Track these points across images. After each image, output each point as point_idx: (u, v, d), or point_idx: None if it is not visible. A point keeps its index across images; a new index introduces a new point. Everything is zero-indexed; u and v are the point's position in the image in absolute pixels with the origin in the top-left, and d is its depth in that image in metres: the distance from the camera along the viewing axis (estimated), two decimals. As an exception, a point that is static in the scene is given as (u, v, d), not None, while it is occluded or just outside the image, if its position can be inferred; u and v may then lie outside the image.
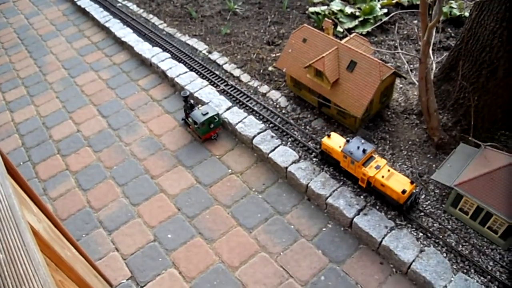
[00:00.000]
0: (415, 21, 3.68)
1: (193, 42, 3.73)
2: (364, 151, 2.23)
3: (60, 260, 1.47)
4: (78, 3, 4.93)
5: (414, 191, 2.19)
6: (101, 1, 4.82)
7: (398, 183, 2.14)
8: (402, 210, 2.21)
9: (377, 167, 2.23)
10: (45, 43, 4.47)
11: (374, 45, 3.40)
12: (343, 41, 2.67)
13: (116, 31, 4.13)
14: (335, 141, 2.33)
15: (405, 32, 3.52)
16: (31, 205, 1.55)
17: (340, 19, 3.55)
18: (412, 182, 2.15)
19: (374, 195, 2.34)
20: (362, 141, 2.28)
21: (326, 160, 2.48)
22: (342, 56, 2.54)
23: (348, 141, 2.33)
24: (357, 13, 3.56)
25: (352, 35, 2.69)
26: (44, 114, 3.49)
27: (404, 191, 2.10)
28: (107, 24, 4.30)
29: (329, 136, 2.41)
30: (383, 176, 2.17)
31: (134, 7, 4.57)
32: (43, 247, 1.38)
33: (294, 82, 2.85)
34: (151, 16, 4.29)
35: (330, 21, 2.65)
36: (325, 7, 3.72)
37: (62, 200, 2.78)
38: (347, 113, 2.56)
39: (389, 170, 2.19)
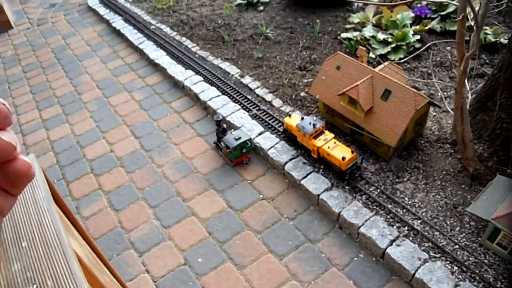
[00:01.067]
0: (448, 47, 3.65)
1: (225, 65, 3.77)
2: (314, 126, 2.54)
3: (101, 287, 1.48)
4: (113, 24, 5.06)
5: (356, 160, 2.47)
6: (136, 24, 4.94)
7: (340, 152, 2.42)
8: (344, 176, 2.49)
9: (325, 140, 2.53)
10: (80, 63, 4.60)
11: (406, 71, 3.38)
12: (377, 69, 2.67)
13: (150, 53, 4.22)
14: (294, 120, 2.64)
15: (438, 59, 3.50)
16: (72, 229, 1.58)
17: (373, 45, 3.55)
18: (353, 152, 2.44)
19: (323, 164, 2.64)
20: (314, 118, 2.62)
21: (288, 137, 2.81)
22: (377, 85, 2.53)
23: (302, 118, 2.63)
24: (390, 39, 3.56)
25: (386, 63, 2.69)
26: (78, 133, 3.57)
27: (344, 158, 2.37)
28: (140, 46, 4.40)
29: (290, 116, 2.73)
30: (329, 147, 2.46)
31: (167, 29, 4.67)
32: (85, 273, 1.40)
33: (327, 109, 2.85)
34: (184, 39, 4.37)
35: (364, 48, 2.66)
36: (357, 33, 3.73)
37: (94, 219, 2.82)
38: (381, 141, 2.54)
39: (335, 143, 2.50)
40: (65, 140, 3.52)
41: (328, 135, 2.60)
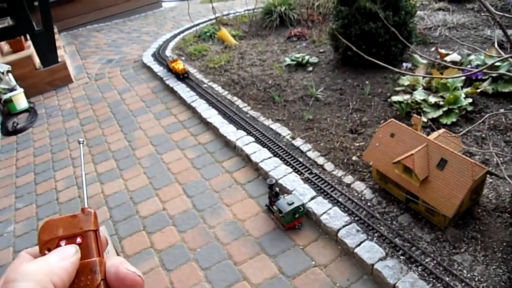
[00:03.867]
0: (501, 110, 3.60)
1: (276, 126, 3.85)
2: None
3: None
4: (167, 82, 5.29)
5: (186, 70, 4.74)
6: (188, 82, 5.14)
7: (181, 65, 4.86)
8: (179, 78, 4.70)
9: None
10: (135, 118, 4.79)
11: (459, 136, 3.34)
12: (431, 138, 2.66)
13: (202, 112, 4.37)
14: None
15: (492, 122, 3.45)
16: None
17: (424, 109, 3.55)
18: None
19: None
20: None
21: (171, 71, 4.91)
22: (432, 154, 2.52)
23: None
24: (441, 103, 3.55)
25: (440, 131, 2.68)
26: (132, 188, 3.67)
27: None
28: (193, 104, 4.56)
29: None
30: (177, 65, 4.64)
31: (219, 88, 4.84)
32: None
33: (380, 175, 2.84)
34: (235, 98, 4.51)
35: (419, 117, 2.67)
36: (408, 96, 3.74)
37: (146, 279, 2.83)
38: (437, 211, 2.49)
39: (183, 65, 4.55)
40: (119, 195, 3.62)
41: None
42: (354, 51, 4.53)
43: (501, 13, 2.20)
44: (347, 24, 4.44)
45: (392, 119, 2.76)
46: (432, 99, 3.61)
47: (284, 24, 6.53)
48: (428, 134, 3.33)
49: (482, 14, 6.11)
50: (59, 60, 6.22)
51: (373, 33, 4.31)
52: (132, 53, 7.01)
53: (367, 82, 4.33)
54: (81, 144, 0.70)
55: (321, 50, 5.33)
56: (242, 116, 4.08)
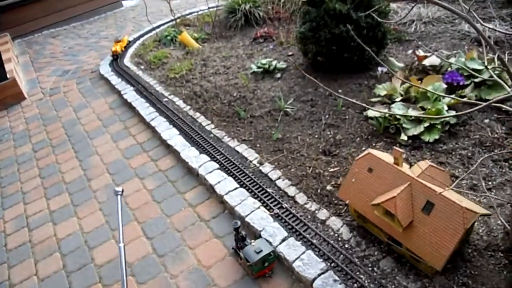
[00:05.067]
0: (486, 120, 3.32)
1: (243, 148, 3.50)
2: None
3: None
4: (125, 96, 4.88)
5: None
6: (147, 95, 4.74)
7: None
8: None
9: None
10: (91, 141, 4.39)
11: (443, 154, 3.05)
12: (414, 172, 2.35)
13: (162, 132, 3.99)
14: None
15: (477, 137, 3.16)
16: None
17: (404, 125, 3.24)
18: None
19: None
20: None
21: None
22: (416, 194, 2.21)
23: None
24: (422, 117, 3.25)
25: (424, 166, 2.36)
26: (87, 229, 3.30)
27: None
28: (153, 123, 4.18)
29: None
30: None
31: (180, 102, 4.46)
32: None
33: (358, 213, 2.52)
34: (198, 114, 4.14)
35: (400, 150, 2.34)
36: (385, 109, 3.43)
37: None
38: (423, 261, 2.19)
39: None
40: (73, 238, 3.25)
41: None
42: (325, 56, 4.22)
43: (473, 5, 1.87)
44: (315, 27, 4.09)
45: (370, 151, 2.43)
46: (412, 112, 3.30)
47: (249, 23, 6.14)
48: (409, 160, 3.03)
49: (456, 5, 5.83)
50: (8, 76, 5.73)
51: (344, 37, 3.97)
52: (89, 62, 6.54)
53: (340, 90, 4.01)
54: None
55: (290, 53, 4.98)
56: (205, 136, 3.72)
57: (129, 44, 6.55)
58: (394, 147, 2.39)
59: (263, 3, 6.19)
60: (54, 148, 4.48)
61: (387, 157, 2.46)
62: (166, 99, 4.53)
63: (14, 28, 8.49)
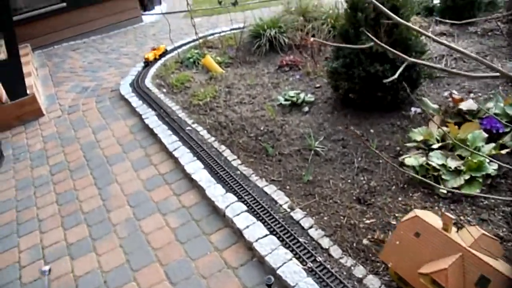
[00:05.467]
0: (528, 173, 3.15)
1: (271, 190, 3.36)
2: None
3: None
4: (146, 121, 4.77)
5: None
6: (170, 122, 4.62)
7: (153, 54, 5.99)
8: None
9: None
10: (110, 168, 4.27)
11: (484, 210, 2.89)
12: (464, 239, 2.19)
13: (186, 164, 3.86)
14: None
15: (520, 191, 3.00)
16: None
17: (443, 176, 3.08)
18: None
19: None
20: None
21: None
22: (469, 267, 2.05)
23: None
24: (462, 167, 3.09)
25: (476, 234, 2.20)
26: (106, 268, 3.15)
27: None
28: (175, 154, 4.05)
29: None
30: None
31: (204, 132, 4.33)
32: None
33: (399, 276, 2.37)
34: (223, 147, 4.01)
35: (450, 217, 2.19)
36: (422, 157, 3.28)
37: None
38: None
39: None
40: (91, 277, 3.10)
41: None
42: (357, 93, 4.09)
43: None
44: (349, 64, 3.97)
45: (416, 214, 2.28)
46: (451, 164, 3.15)
47: (274, 50, 6.04)
48: (444, 210, 2.87)
49: (487, 40, 5.70)
50: (28, 91, 5.65)
51: (380, 76, 3.84)
52: (109, 80, 6.45)
53: (371, 130, 3.87)
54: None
55: (317, 85, 4.86)
56: (232, 173, 3.59)
57: (166, 52, 6.69)
58: (444, 212, 2.23)
59: (288, 29, 6.08)
60: (72, 172, 4.36)
61: (434, 220, 2.31)
62: (189, 128, 4.41)
63: (34, 39, 8.44)
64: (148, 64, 6.38)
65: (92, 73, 6.89)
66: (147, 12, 10.47)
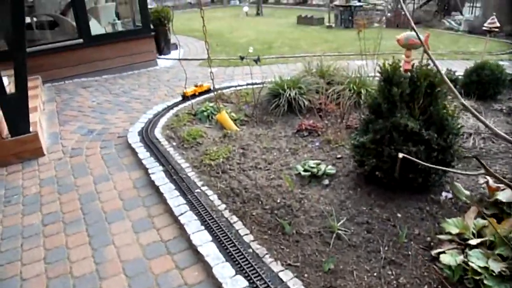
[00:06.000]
0: None
1: (288, 277, 2.97)
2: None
3: None
4: (152, 177, 4.43)
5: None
6: (178, 181, 4.28)
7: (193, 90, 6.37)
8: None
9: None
10: (109, 226, 3.89)
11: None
12: None
13: (192, 233, 3.49)
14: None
15: None
16: None
17: (485, 281, 2.70)
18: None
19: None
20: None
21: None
22: None
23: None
24: (507, 272, 2.72)
25: None
26: None
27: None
28: (182, 219, 3.70)
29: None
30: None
31: (215, 198, 3.98)
32: None
33: None
34: (234, 218, 3.65)
35: None
36: (459, 255, 2.91)
37: None
38: None
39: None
40: None
41: None
42: (385, 173, 3.77)
43: None
44: (379, 141, 3.68)
45: None
46: (494, 266, 2.78)
47: (292, 111, 5.80)
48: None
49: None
50: (31, 129, 5.35)
51: (413, 157, 3.53)
52: (117, 124, 6.17)
53: (399, 215, 3.53)
54: None
55: (338, 156, 4.56)
56: (243, 250, 3.22)
57: (208, 91, 6.60)
58: None
59: (308, 91, 5.86)
60: (66, 226, 3.98)
61: None
62: (198, 191, 4.07)
63: (46, 71, 8.27)
64: (184, 98, 6.56)
65: (100, 114, 6.63)
66: (162, 56, 10.37)
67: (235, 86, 7.12)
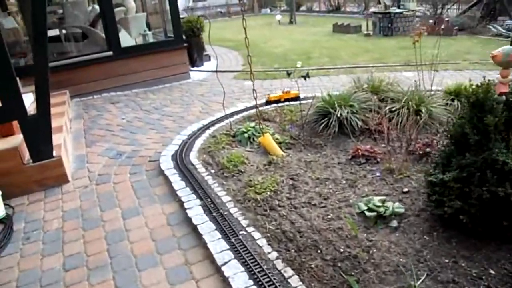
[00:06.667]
0: None
1: None
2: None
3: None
4: (188, 212, 3.85)
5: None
6: (218, 218, 3.66)
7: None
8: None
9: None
10: (139, 274, 3.31)
11: None
12: None
13: (239, 290, 2.85)
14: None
15: None
16: None
17: None
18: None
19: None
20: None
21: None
22: None
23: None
24: None
25: None
26: None
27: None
28: (225, 270, 3.08)
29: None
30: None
31: (263, 242, 3.35)
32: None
33: None
34: (289, 271, 3.01)
35: None
36: None
37: None
38: None
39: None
40: None
41: None
42: (471, 217, 3.05)
43: None
44: (466, 179, 2.98)
45: None
46: None
47: (343, 132, 5.12)
48: None
49: None
50: (55, 153, 4.84)
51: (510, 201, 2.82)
52: (148, 146, 5.63)
53: (491, 271, 2.82)
54: None
55: (405, 189, 3.86)
56: (304, 319, 2.53)
57: (297, 99, 6.24)
58: None
59: (361, 109, 5.18)
60: (90, 272, 3.42)
61: None
62: (243, 232, 3.45)
63: (74, 86, 7.84)
64: (267, 103, 6.36)
65: (130, 134, 6.10)
66: (195, 68, 9.86)
67: (276, 102, 6.47)
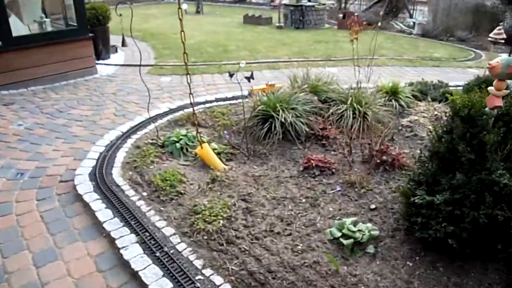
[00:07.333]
0: None
1: None
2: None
3: None
4: (124, 255, 3.15)
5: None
6: (165, 261, 2.98)
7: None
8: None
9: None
10: None
11: None
12: None
13: None
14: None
15: None
16: None
17: None
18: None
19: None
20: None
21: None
22: None
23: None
24: None
25: None
26: None
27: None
28: (186, 335, 2.38)
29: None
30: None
31: (227, 290, 2.71)
32: None
33: None
34: (268, 331, 2.40)
35: None
36: None
37: None
38: None
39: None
40: None
41: None
42: (462, 242, 2.70)
43: None
44: (459, 201, 2.61)
45: None
46: None
47: (286, 137, 4.62)
48: None
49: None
50: None
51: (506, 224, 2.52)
52: (57, 160, 4.65)
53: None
54: None
55: (372, 206, 3.46)
56: None
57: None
58: None
59: (304, 112, 4.72)
60: None
61: None
62: (200, 277, 2.78)
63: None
64: (250, 95, 5.49)
65: (31, 146, 5.02)
66: (101, 62, 8.74)
67: (203, 103, 5.78)
